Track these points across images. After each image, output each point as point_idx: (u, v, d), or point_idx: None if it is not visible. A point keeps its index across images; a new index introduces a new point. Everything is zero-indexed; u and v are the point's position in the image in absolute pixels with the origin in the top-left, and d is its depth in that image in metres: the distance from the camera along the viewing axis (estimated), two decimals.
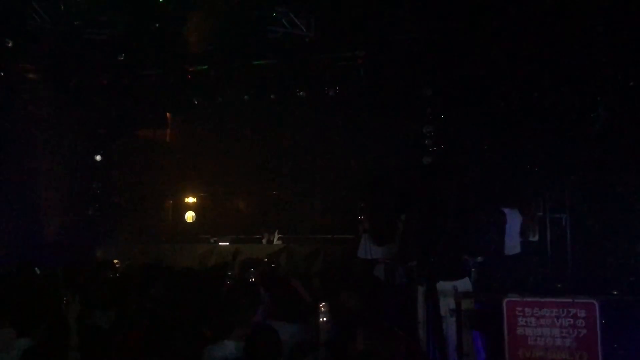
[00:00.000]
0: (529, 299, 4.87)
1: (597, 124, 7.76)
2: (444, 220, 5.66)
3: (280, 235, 10.93)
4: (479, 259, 5.99)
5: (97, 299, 5.24)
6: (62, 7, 9.30)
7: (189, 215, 12.44)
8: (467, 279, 5.66)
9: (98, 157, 11.87)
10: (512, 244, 6.50)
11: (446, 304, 5.34)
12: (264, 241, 11.00)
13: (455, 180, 6.02)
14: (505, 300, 4.88)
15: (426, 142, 9.90)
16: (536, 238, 7.34)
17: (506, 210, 6.53)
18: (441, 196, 5.76)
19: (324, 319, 4.16)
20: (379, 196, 7.21)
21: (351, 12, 8.94)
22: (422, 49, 9.42)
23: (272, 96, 11.27)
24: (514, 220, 6.56)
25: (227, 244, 10.62)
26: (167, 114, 12.56)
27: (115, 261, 8.55)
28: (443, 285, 5.37)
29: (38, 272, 6.65)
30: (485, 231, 5.86)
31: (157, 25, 9.58)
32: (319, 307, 4.18)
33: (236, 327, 3.96)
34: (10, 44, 9.84)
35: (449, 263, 5.56)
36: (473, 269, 6.02)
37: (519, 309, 4.84)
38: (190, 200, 12.62)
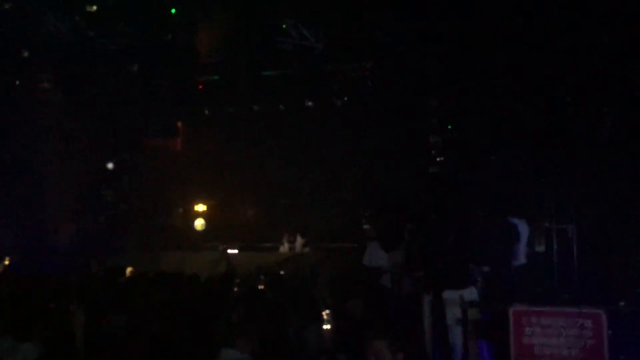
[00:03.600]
0: (535, 309, 4.86)
1: (603, 135, 7.77)
2: (449, 230, 5.69)
3: (304, 240, 10.84)
4: (485, 269, 6.01)
5: (107, 306, 5.32)
6: (77, 17, 9.45)
7: (199, 223, 12.49)
8: (473, 289, 5.68)
9: (109, 165, 11.99)
10: (520, 255, 6.53)
11: (453, 314, 5.36)
12: (281, 248, 10.94)
13: (460, 191, 6.05)
14: (511, 310, 4.88)
15: (433, 152, 9.94)
16: (542, 248, 7.36)
17: (515, 220, 6.56)
18: (447, 206, 5.79)
19: (328, 326, 4.19)
20: (386, 204, 7.28)
21: (359, 24, 9.02)
22: (429, 60, 9.47)
23: (281, 106, 11.37)
24: (522, 231, 6.58)
25: (236, 251, 10.65)
26: (178, 123, 12.68)
27: (129, 269, 8.62)
28: (450, 295, 5.39)
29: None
30: (493, 242, 5.87)
31: (168, 36, 9.72)
32: (323, 315, 4.23)
33: (241, 336, 3.98)
34: (25, 54, 10.01)
35: (455, 272, 5.58)
36: (479, 279, 6.03)
37: (525, 318, 4.83)
38: (200, 208, 12.68)
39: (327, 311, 4.38)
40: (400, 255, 6.73)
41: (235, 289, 6.34)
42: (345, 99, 10.89)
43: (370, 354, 3.40)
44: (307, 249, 10.54)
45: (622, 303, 6.04)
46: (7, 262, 9.88)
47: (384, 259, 6.79)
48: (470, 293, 5.60)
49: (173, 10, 9.23)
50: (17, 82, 10.81)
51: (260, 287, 6.58)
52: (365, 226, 7.29)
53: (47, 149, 11.46)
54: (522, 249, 6.66)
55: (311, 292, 6.25)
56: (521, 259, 6.63)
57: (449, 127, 9.92)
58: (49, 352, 4.23)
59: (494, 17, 8.35)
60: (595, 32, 7.64)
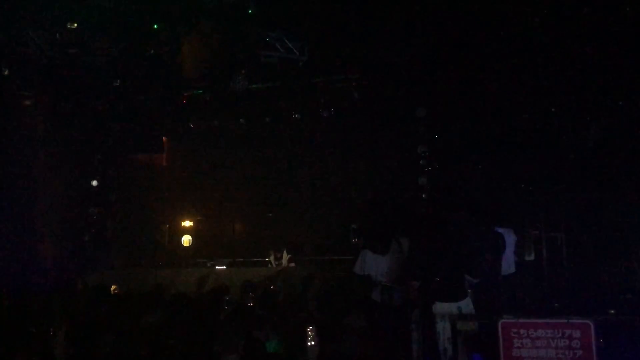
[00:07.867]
0: (524, 320, 4.85)
1: (592, 143, 7.83)
2: (447, 241, 5.65)
3: (290, 256, 10.80)
4: (474, 280, 5.97)
5: (93, 326, 5.23)
6: (58, 35, 9.38)
7: (186, 239, 12.38)
8: (469, 300, 5.63)
9: (94, 182, 11.86)
10: (507, 264, 6.51)
11: (448, 327, 5.32)
12: (270, 260, 10.87)
13: (456, 203, 6.02)
14: (500, 322, 4.86)
15: (420, 162, 9.95)
16: (532, 257, 7.35)
17: (501, 230, 6.56)
18: (445, 218, 5.76)
19: (312, 343, 4.15)
20: (374, 215, 7.23)
21: (344, 36, 9.05)
22: (415, 70, 9.52)
23: (267, 119, 11.35)
24: (508, 240, 6.58)
25: (224, 267, 10.55)
26: (164, 138, 12.61)
27: (113, 287, 8.50)
28: (446, 307, 5.35)
29: None
30: (480, 253, 5.85)
31: (152, 50, 9.68)
32: (307, 331, 4.18)
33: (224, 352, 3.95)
34: (6, 72, 9.90)
35: (452, 283, 5.54)
36: (470, 290, 6.00)
37: (514, 330, 4.82)
38: (187, 224, 12.58)
39: (311, 327, 4.33)
40: (388, 266, 6.64)
41: (226, 307, 6.25)
42: (332, 110, 10.89)
43: None
44: (292, 264, 10.47)
45: (612, 311, 6.05)
46: None
47: (374, 268, 6.69)
48: (467, 305, 5.55)
49: (155, 26, 9.20)
50: None
51: (250, 304, 6.50)
52: (354, 239, 7.21)
53: (31, 166, 11.32)
54: (510, 258, 6.65)
55: (302, 307, 6.18)
56: (510, 268, 6.61)
57: (437, 137, 9.94)
58: None
59: (480, 26, 8.40)
60: (581, 41, 7.72)
